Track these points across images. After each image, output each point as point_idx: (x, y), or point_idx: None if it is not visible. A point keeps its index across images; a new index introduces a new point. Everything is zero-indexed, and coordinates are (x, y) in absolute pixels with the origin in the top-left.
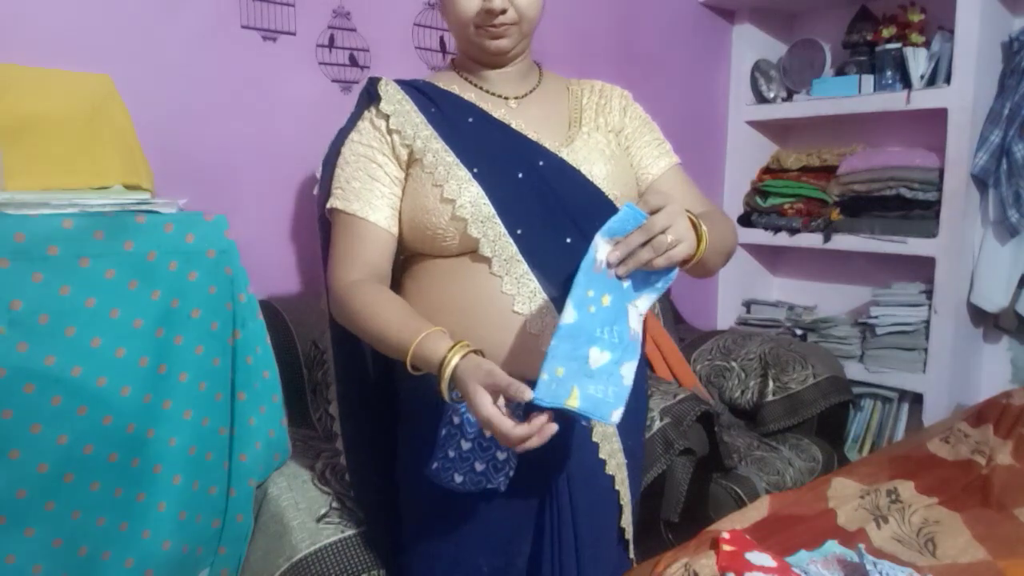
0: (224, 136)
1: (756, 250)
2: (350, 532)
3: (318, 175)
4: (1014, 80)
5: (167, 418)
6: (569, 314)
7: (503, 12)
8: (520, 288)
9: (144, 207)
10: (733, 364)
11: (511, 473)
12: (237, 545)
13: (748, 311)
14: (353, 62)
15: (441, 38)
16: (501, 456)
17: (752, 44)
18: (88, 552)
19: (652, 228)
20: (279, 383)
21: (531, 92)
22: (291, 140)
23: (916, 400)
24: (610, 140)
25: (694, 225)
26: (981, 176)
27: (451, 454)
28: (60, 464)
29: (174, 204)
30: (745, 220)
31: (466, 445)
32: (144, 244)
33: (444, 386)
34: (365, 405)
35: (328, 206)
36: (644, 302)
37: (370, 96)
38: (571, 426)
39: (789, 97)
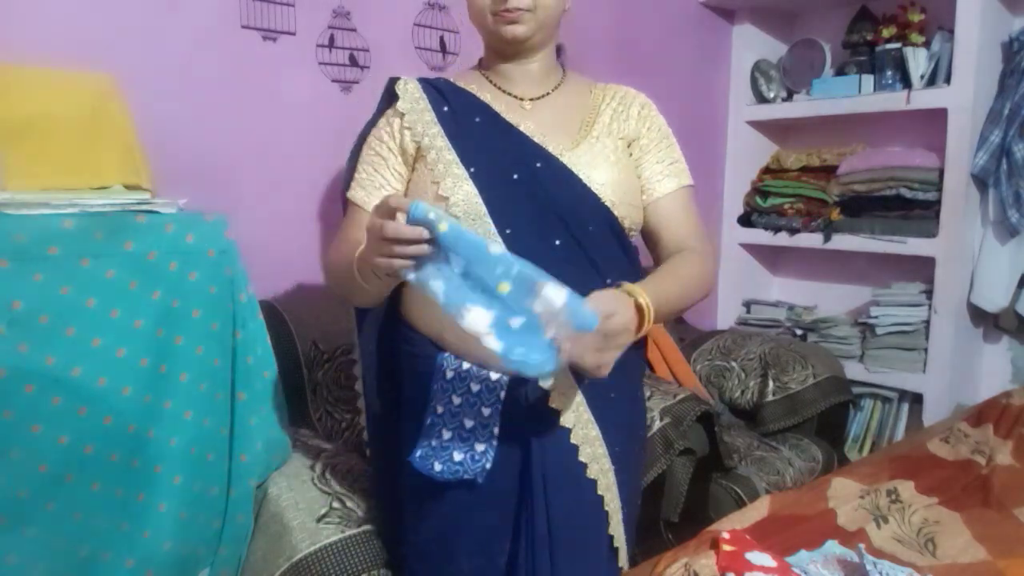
0: (224, 136)
1: (756, 250)
2: (350, 532)
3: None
4: (1014, 80)
5: (167, 418)
6: (497, 247)
7: None
8: None
9: (144, 207)
10: (733, 364)
11: (488, 465)
12: (237, 545)
13: (748, 311)
14: (353, 62)
15: (441, 38)
16: (479, 448)
17: (752, 44)
18: (88, 552)
19: (608, 330)
20: (279, 383)
21: (548, 94)
22: (291, 140)
23: (916, 400)
24: (618, 147)
25: (641, 313)
26: (981, 176)
27: (433, 443)
28: (60, 464)
29: (174, 204)
30: (745, 220)
31: (447, 435)
32: (144, 244)
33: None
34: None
35: (345, 193)
36: (517, 353)
37: (391, 94)
38: (548, 426)
39: (789, 97)
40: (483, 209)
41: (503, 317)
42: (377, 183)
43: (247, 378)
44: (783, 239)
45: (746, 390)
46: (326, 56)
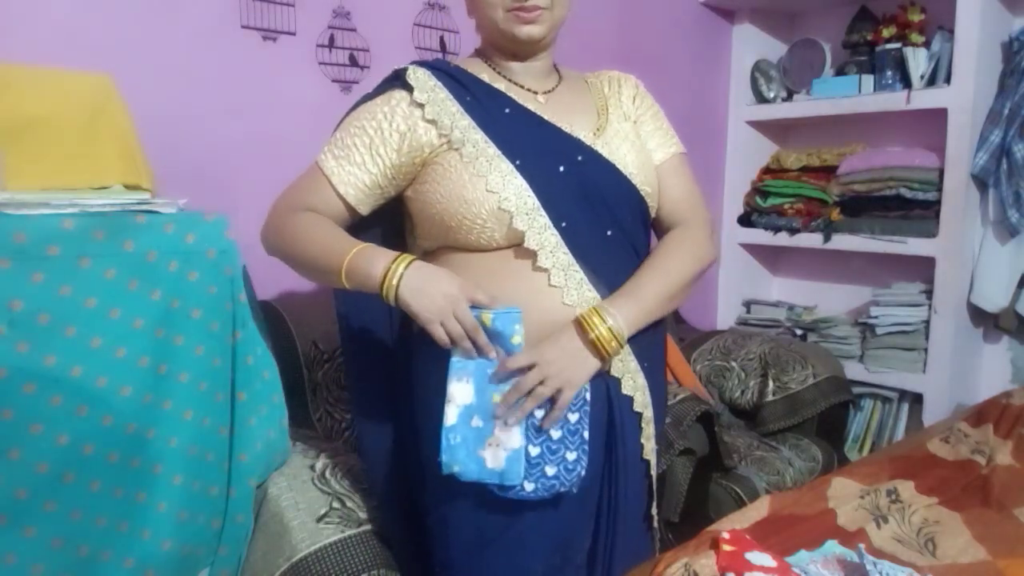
0: (224, 136)
1: (756, 250)
2: (350, 532)
3: None
4: (1014, 80)
5: (167, 418)
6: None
7: None
8: (568, 280)
9: (144, 207)
10: (733, 364)
11: (583, 472)
12: (237, 545)
13: (748, 311)
14: (353, 62)
15: (441, 38)
16: (571, 456)
17: (752, 44)
18: (88, 552)
19: (522, 388)
20: (279, 383)
21: (557, 87)
22: (291, 140)
23: (916, 400)
24: (632, 128)
25: (595, 343)
26: (981, 176)
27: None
28: (60, 464)
29: (174, 204)
30: (745, 220)
31: (534, 451)
32: (144, 244)
33: (393, 283)
34: (382, 399)
35: (316, 159)
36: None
37: (403, 84)
38: (626, 416)
39: (789, 97)
40: (535, 203)
41: (474, 411)
42: (354, 159)
43: (247, 378)
44: (783, 239)
45: (746, 390)
46: (326, 56)
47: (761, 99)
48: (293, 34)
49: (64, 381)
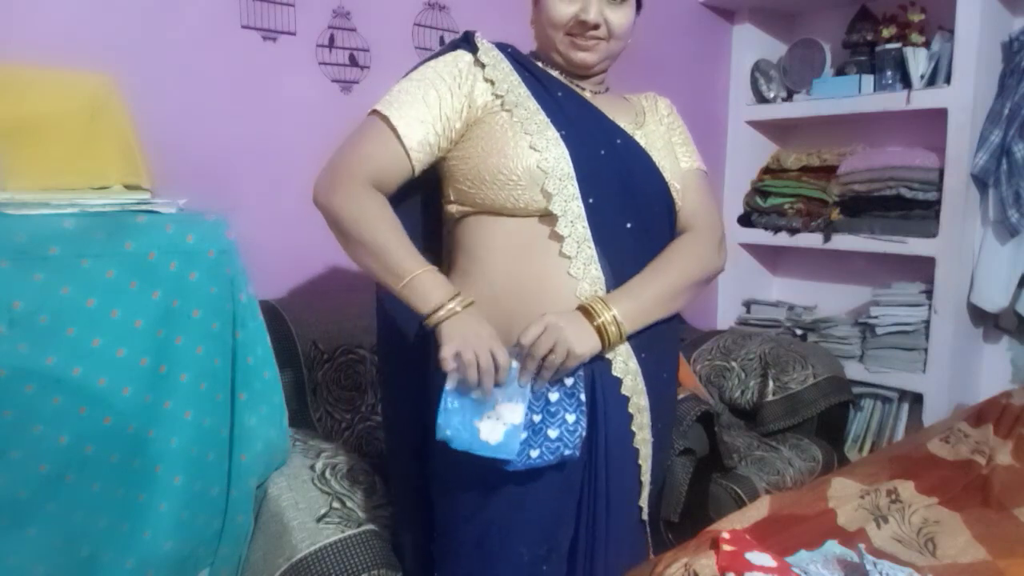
0: (224, 136)
1: (756, 250)
2: (350, 532)
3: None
4: (1014, 80)
5: (167, 418)
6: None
7: (596, 27)
8: (579, 252)
9: (144, 207)
10: (733, 364)
11: (583, 434)
12: (237, 545)
13: (748, 311)
14: (353, 62)
15: (441, 38)
16: (570, 418)
17: (752, 44)
18: (88, 552)
19: (537, 353)
20: (279, 383)
21: (601, 92)
22: (291, 140)
23: (916, 400)
24: (666, 132)
25: (599, 330)
26: (981, 176)
27: (523, 434)
28: (61, 464)
29: (174, 204)
30: (745, 220)
31: (536, 418)
32: (144, 244)
33: (440, 315)
34: (404, 377)
35: (372, 108)
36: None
37: (467, 45)
38: (613, 395)
39: (789, 97)
40: (571, 171)
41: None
42: (423, 117)
43: (247, 378)
44: (783, 239)
45: (746, 390)
46: (326, 56)
47: (761, 99)
48: (293, 34)
49: (64, 381)
